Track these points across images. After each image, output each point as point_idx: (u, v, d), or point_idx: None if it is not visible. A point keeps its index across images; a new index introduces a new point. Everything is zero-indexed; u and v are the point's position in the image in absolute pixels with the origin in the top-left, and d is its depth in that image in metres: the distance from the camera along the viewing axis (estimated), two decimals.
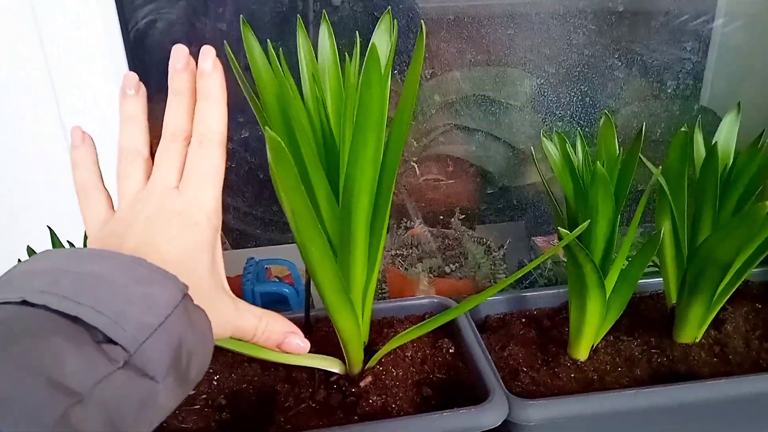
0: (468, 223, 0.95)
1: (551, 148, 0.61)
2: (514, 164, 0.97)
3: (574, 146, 0.61)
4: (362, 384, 0.61)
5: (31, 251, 0.52)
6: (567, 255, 0.63)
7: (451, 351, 0.66)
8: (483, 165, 0.96)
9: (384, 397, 0.59)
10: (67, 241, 0.54)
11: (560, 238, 0.54)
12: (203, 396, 0.61)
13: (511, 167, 0.97)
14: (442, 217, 0.99)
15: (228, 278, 0.92)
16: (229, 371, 0.65)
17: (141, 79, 0.44)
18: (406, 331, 0.60)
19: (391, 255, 0.91)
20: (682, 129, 0.59)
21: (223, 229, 0.43)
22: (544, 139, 0.61)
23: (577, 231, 0.51)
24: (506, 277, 0.93)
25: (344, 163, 0.51)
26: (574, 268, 0.59)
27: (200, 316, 0.36)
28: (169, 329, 0.32)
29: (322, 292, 0.54)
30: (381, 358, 0.62)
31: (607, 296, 0.60)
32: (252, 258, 0.92)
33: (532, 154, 0.67)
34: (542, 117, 0.89)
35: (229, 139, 0.76)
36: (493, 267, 0.87)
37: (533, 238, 1.00)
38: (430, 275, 0.86)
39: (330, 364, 0.63)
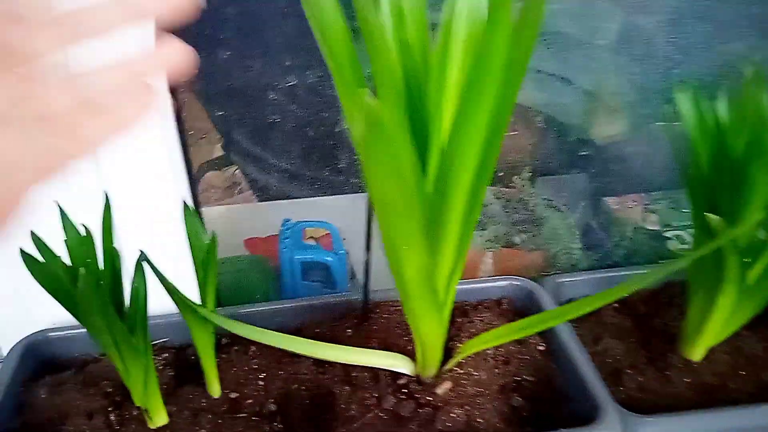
0: (530, 182, 0.83)
1: (686, 105, 0.48)
2: (591, 114, 0.83)
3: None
4: (439, 391, 0.50)
5: (36, 238, 0.41)
6: (696, 238, 0.51)
7: (540, 348, 0.55)
8: (554, 115, 0.82)
9: (468, 408, 0.49)
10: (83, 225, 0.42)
11: (702, 223, 0.43)
12: (249, 401, 0.51)
13: (586, 118, 0.83)
14: (501, 173, 0.86)
15: (260, 239, 0.80)
16: (276, 367, 0.54)
17: None
18: (495, 331, 0.49)
19: None
20: None
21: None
22: (679, 93, 0.48)
23: (746, 225, 0.39)
24: (579, 248, 0.82)
25: (438, 135, 0.39)
26: (708, 257, 0.47)
27: None
28: None
29: (403, 284, 0.42)
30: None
31: (744, 293, 0.48)
32: (288, 220, 0.80)
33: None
34: (638, 61, 0.75)
35: (273, 87, 0.64)
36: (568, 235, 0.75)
37: (604, 198, 0.87)
38: (493, 247, 0.74)
39: (397, 364, 0.52)
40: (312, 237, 0.88)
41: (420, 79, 0.39)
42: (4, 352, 0.62)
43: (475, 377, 0.52)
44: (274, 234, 0.83)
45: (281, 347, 0.49)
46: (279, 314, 0.59)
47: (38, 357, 0.55)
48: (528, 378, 0.53)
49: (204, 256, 0.45)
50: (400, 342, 0.56)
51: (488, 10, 0.31)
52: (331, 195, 0.84)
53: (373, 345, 0.56)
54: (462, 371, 0.52)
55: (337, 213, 0.86)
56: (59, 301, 0.41)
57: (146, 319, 0.44)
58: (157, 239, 0.56)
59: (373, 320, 0.58)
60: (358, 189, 0.80)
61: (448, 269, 0.44)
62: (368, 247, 0.55)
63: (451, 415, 0.48)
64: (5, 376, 0.52)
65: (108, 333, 0.42)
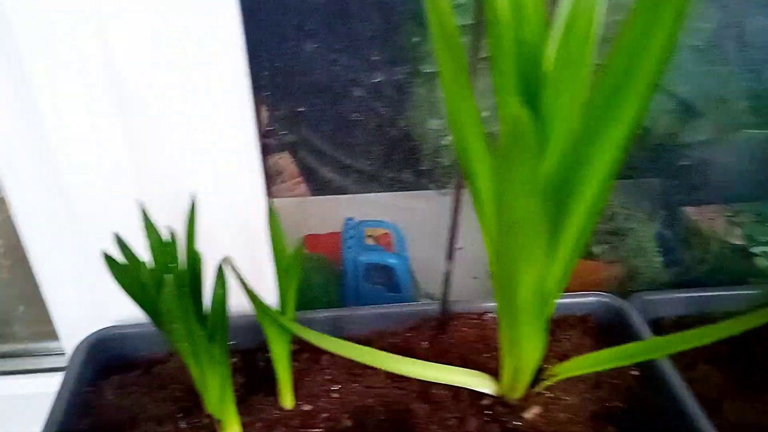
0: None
1: None
2: (674, 118, 0.78)
3: None
4: (528, 416, 0.47)
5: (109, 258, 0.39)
6: None
7: (633, 373, 0.51)
8: None
9: None
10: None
11: None
12: (324, 414, 0.48)
13: (670, 121, 0.78)
14: None
15: (317, 235, 0.78)
16: (349, 379, 0.51)
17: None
18: (594, 356, 0.45)
19: None
20: None
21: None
22: None
23: None
24: (659, 262, 0.78)
25: (558, 138, 0.35)
26: None
27: None
28: None
29: (512, 302, 0.39)
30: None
31: None
32: (351, 219, 0.77)
33: None
34: (729, 65, 0.70)
35: (357, 83, 0.62)
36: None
37: (683, 207, 0.83)
38: None
39: (480, 383, 0.49)
40: (370, 236, 0.86)
41: (539, 76, 0.35)
42: (66, 348, 0.61)
43: (565, 402, 0.48)
44: (333, 231, 0.81)
45: (366, 363, 0.47)
46: (349, 321, 0.57)
47: (104, 355, 0.54)
48: (620, 405, 0.49)
49: (288, 263, 0.43)
50: (480, 359, 0.53)
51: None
52: (386, 192, 0.81)
53: (450, 360, 0.53)
54: (551, 395, 0.48)
55: (388, 210, 0.83)
56: (140, 306, 0.39)
57: (227, 327, 0.42)
58: (228, 238, 0.54)
59: (450, 333, 0.55)
60: (412, 187, 0.78)
61: (558, 284, 0.40)
62: (450, 255, 0.52)
63: None
64: (72, 373, 0.50)
65: (188, 341, 0.39)
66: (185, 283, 0.39)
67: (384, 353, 0.48)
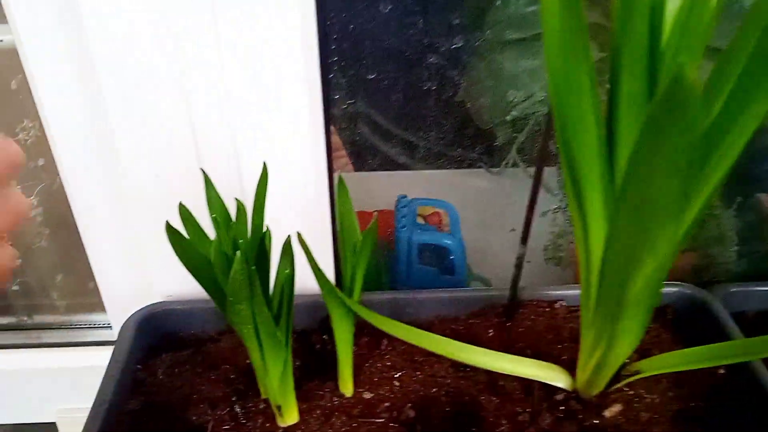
0: None
1: None
2: None
3: None
4: (608, 414, 0.44)
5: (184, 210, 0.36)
6: None
7: (719, 372, 0.47)
8: None
9: None
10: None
11: None
12: (386, 403, 0.45)
13: None
14: None
15: (364, 213, 0.74)
16: (410, 366, 0.48)
17: None
18: (683, 354, 0.41)
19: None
20: None
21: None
22: None
23: None
24: (735, 251, 0.73)
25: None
26: None
27: None
28: None
29: (621, 292, 0.35)
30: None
31: None
32: (404, 196, 0.74)
33: None
34: None
35: (433, 49, 0.58)
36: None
37: (758, 194, 0.77)
38: None
39: (553, 376, 0.46)
40: (420, 215, 0.82)
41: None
42: (113, 322, 0.59)
43: (647, 400, 0.45)
44: (381, 209, 0.77)
45: (435, 351, 0.43)
46: (408, 305, 0.53)
47: (154, 332, 0.51)
48: (706, 406, 0.45)
49: (359, 241, 0.39)
50: (551, 350, 0.49)
51: None
52: (433, 169, 0.78)
53: (518, 351, 0.50)
54: (632, 393, 0.45)
55: (434, 188, 0.80)
56: (203, 284, 0.36)
57: (292, 309, 0.39)
58: (287, 214, 0.51)
59: (518, 321, 0.52)
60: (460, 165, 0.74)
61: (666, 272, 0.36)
62: (524, 239, 0.48)
63: None
64: (121, 350, 0.48)
65: (252, 323, 0.36)
66: (253, 261, 0.36)
67: (453, 341, 0.44)
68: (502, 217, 0.83)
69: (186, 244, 0.35)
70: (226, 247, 0.35)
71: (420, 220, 0.79)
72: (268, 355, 0.39)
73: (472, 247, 0.78)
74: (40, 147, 0.60)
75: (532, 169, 0.82)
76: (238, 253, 0.32)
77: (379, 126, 0.73)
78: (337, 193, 0.40)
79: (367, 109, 0.70)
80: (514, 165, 0.81)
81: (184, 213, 0.35)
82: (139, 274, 0.55)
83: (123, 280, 0.56)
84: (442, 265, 0.70)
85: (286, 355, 0.39)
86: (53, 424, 0.67)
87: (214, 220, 0.35)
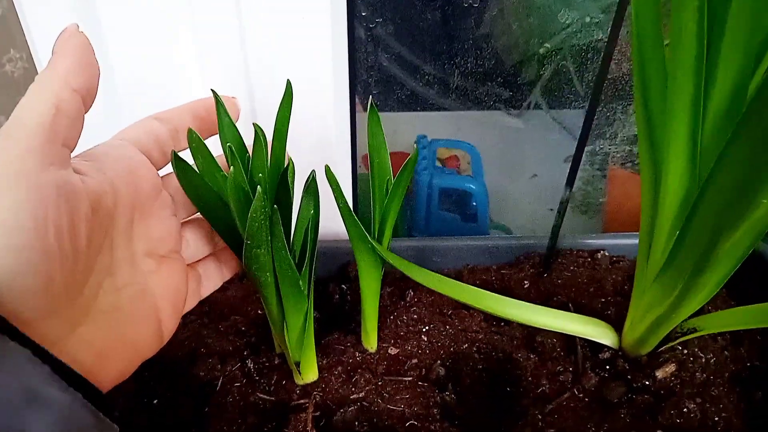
0: None
1: None
2: None
3: None
4: (660, 375, 0.39)
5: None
6: None
7: None
8: None
9: (700, 402, 0.38)
10: None
11: None
12: (413, 360, 0.41)
13: None
14: None
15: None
16: (440, 321, 0.44)
17: None
18: (744, 312, 0.37)
19: (614, 151, 0.66)
20: None
21: None
22: None
23: None
24: None
25: None
26: None
27: None
28: None
29: (703, 242, 0.30)
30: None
31: None
32: (424, 137, 0.68)
33: None
34: None
35: None
36: None
37: None
38: None
39: (598, 332, 0.41)
40: (439, 159, 0.77)
41: None
42: None
43: (702, 360, 0.40)
44: (396, 151, 0.72)
45: (469, 303, 0.39)
46: (435, 253, 0.49)
47: None
48: (765, 367, 0.41)
49: (392, 181, 0.34)
50: (595, 304, 0.45)
51: None
52: (449, 111, 0.72)
53: (557, 305, 0.45)
54: (686, 351, 0.40)
55: (449, 130, 0.74)
56: (214, 224, 0.31)
57: (316, 254, 0.34)
58: (305, 150, 0.45)
59: (556, 273, 0.47)
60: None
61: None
62: (571, 182, 0.43)
63: (683, 408, 0.37)
64: None
65: (271, 270, 0.32)
66: (274, 199, 0.31)
67: (489, 293, 0.40)
68: (523, 162, 0.78)
69: (196, 178, 0.30)
70: (242, 182, 0.30)
71: (437, 164, 0.74)
72: (288, 307, 0.34)
73: (492, 193, 0.73)
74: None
75: (555, 112, 0.77)
76: (259, 188, 0.27)
77: (398, 60, 0.67)
78: (368, 123, 0.34)
79: (387, 38, 0.63)
80: (537, 107, 0.75)
81: (195, 141, 0.30)
82: None
83: None
84: (464, 211, 0.66)
85: (308, 307, 0.35)
86: None
87: (228, 150, 0.30)
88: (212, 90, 0.31)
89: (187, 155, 0.30)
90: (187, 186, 0.30)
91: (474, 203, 0.64)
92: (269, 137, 0.32)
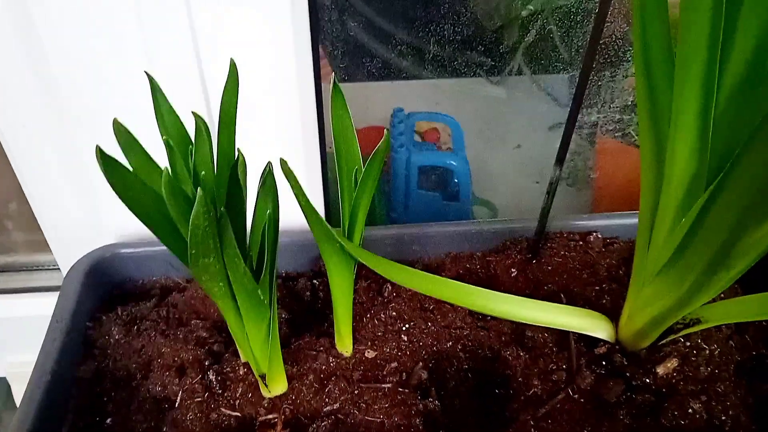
0: None
1: None
2: None
3: None
4: (661, 371, 0.36)
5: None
6: None
7: None
8: None
9: (705, 399, 0.35)
10: None
11: None
12: (393, 364, 0.37)
13: None
14: None
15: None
16: (421, 317, 0.40)
17: None
18: (750, 300, 0.34)
19: (604, 120, 0.62)
20: None
21: None
22: None
23: None
24: None
25: None
26: None
27: None
28: None
29: (721, 234, 0.26)
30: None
31: None
32: (401, 110, 0.64)
33: None
34: None
35: None
36: None
37: None
38: None
39: (592, 325, 0.38)
40: (416, 132, 0.72)
41: None
42: (62, 265, 0.50)
43: (706, 352, 0.37)
44: (373, 125, 0.67)
45: (449, 300, 0.35)
46: (415, 240, 0.45)
47: (107, 280, 0.42)
48: None
49: (360, 170, 0.30)
50: (588, 292, 0.41)
51: None
52: (428, 79, 0.67)
53: (547, 294, 0.42)
54: (688, 344, 0.37)
55: (428, 101, 0.70)
56: (155, 231, 0.27)
57: (276, 258, 0.30)
58: (264, 134, 0.41)
59: (546, 258, 0.44)
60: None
61: None
62: (561, 160, 0.39)
63: (686, 407, 0.34)
64: (66, 304, 0.39)
65: (224, 280, 0.27)
66: (223, 200, 0.27)
67: (472, 288, 0.36)
68: (506, 132, 0.74)
69: (130, 178, 0.26)
70: (184, 182, 0.26)
71: (416, 138, 0.69)
72: (247, 318, 0.30)
73: (473, 167, 0.69)
74: None
75: (538, 77, 0.73)
76: (200, 191, 0.22)
77: (368, 26, 0.62)
78: (331, 104, 0.30)
79: (355, 3, 0.58)
80: (519, 72, 0.71)
81: (123, 135, 0.25)
82: (88, 208, 0.46)
83: (68, 216, 0.47)
84: (445, 189, 0.62)
85: (270, 317, 0.31)
86: (3, 379, 0.58)
87: (166, 144, 0.25)
88: (146, 72, 0.27)
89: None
90: (118, 187, 0.25)
91: (456, 180, 0.60)
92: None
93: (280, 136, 0.42)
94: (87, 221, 0.47)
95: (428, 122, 0.72)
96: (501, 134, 0.74)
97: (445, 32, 0.60)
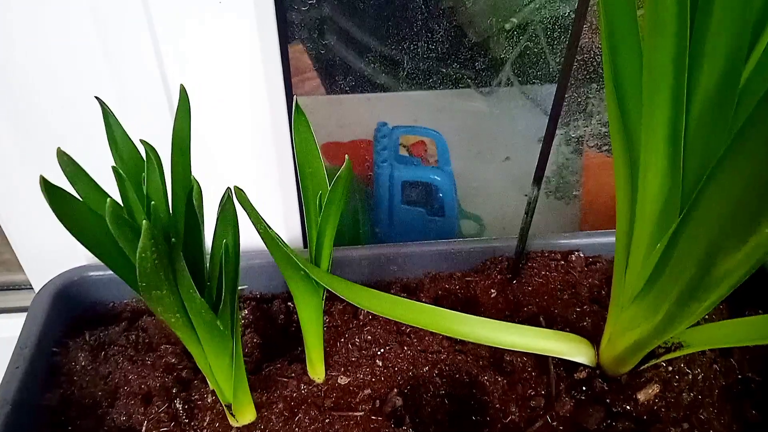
0: None
1: None
2: None
3: None
4: (642, 397, 0.35)
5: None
6: None
7: None
8: None
9: (688, 429, 0.34)
10: None
11: None
12: (366, 390, 0.36)
13: None
14: None
15: (338, 144, 0.64)
16: (397, 341, 0.39)
17: None
18: (736, 324, 0.33)
19: (590, 134, 0.61)
20: None
21: None
22: None
23: None
24: None
25: None
26: None
27: None
28: None
29: (699, 262, 0.25)
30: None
31: None
32: (384, 124, 0.63)
33: None
34: None
35: None
36: None
37: None
38: None
39: (572, 350, 0.37)
40: (403, 145, 0.71)
41: None
42: (35, 285, 0.49)
43: (689, 378, 0.36)
44: (358, 139, 0.66)
45: (424, 327, 0.34)
46: (393, 261, 0.44)
47: (76, 303, 0.41)
48: (761, 378, 0.37)
49: (325, 193, 0.29)
50: (569, 314, 0.40)
51: None
52: (414, 90, 0.66)
53: (527, 316, 0.41)
54: (670, 368, 0.36)
55: (414, 113, 0.69)
56: (106, 262, 0.26)
57: (237, 289, 0.28)
58: (232, 156, 0.40)
59: (526, 278, 0.42)
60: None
61: None
62: (538, 180, 0.38)
63: None
64: (32, 328, 0.38)
65: (181, 311, 0.26)
66: (174, 230, 0.26)
67: (449, 313, 0.35)
68: (495, 144, 0.72)
69: (79, 208, 0.25)
70: (137, 211, 0.25)
71: (402, 152, 0.68)
72: (208, 349, 0.29)
73: (461, 180, 0.68)
74: None
75: (529, 87, 0.72)
76: (145, 223, 0.21)
77: (351, 38, 0.61)
78: (294, 127, 0.29)
79: (335, 15, 0.57)
80: (508, 84, 0.70)
81: (68, 164, 0.24)
82: (60, 229, 0.44)
83: (40, 237, 0.46)
84: (430, 204, 0.61)
85: (233, 346, 0.30)
86: None
87: (115, 172, 0.24)
88: (97, 98, 0.26)
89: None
90: (64, 218, 0.24)
91: (440, 195, 0.59)
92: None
93: (255, 156, 0.41)
94: (60, 241, 0.46)
95: (414, 136, 0.71)
96: (490, 146, 0.72)
97: (434, 45, 0.59)
